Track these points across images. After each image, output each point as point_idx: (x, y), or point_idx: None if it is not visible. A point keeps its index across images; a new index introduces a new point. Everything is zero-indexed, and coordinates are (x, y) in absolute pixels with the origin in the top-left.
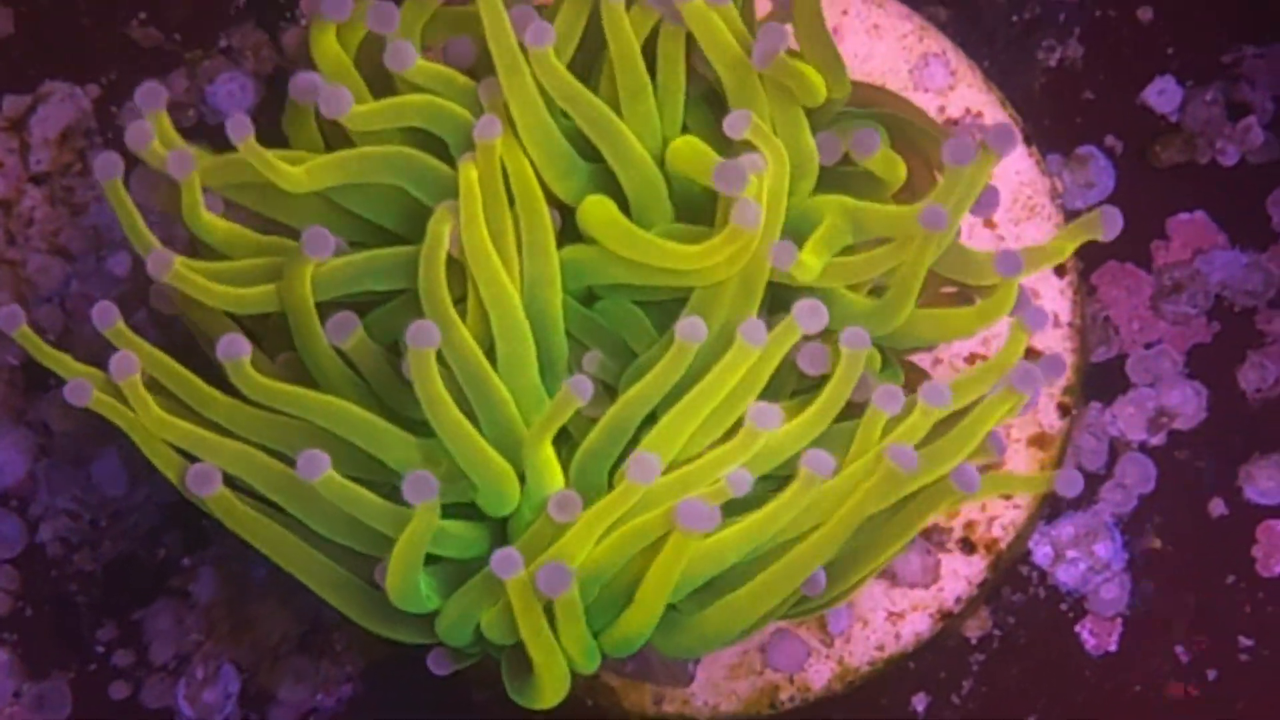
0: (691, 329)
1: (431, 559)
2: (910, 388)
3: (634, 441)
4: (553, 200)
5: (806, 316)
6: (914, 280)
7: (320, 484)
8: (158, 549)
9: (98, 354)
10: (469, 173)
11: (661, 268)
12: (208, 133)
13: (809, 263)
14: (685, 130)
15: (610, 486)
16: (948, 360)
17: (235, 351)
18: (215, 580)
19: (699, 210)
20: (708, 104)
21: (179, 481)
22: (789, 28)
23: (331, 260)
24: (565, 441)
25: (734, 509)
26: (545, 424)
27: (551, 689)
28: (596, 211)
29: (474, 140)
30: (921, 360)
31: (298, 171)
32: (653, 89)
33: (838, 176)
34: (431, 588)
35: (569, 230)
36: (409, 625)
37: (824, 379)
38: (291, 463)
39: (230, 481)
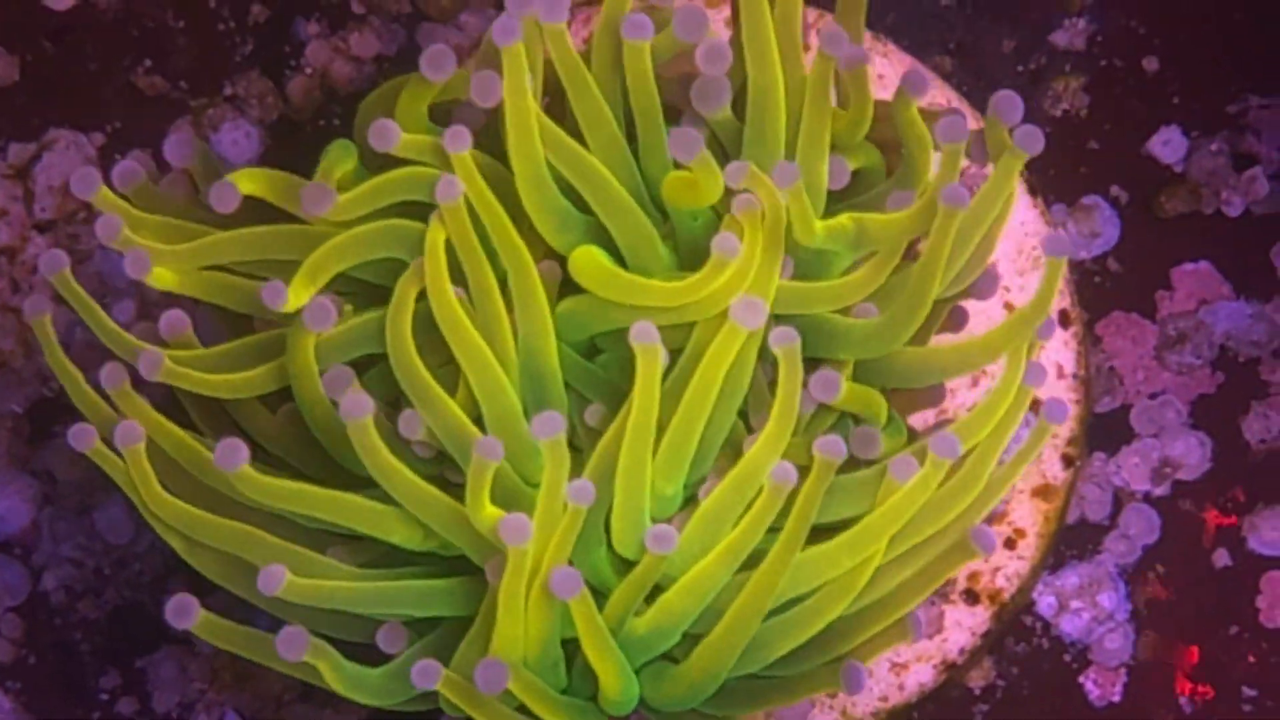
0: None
1: (433, 621)
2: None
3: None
4: (553, 254)
5: (743, 312)
6: (930, 279)
7: (284, 593)
8: (162, 597)
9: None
10: (434, 234)
11: (658, 307)
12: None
13: (816, 226)
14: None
15: (606, 534)
16: (953, 411)
17: (234, 461)
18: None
19: (704, 257)
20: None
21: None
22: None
23: (341, 326)
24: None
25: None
26: (473, 492)
27: None
28: (584, 260)
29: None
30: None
31: (298, 280)
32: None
33: (845, 203)
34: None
35: (569, 282)
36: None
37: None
38: (297, 530)
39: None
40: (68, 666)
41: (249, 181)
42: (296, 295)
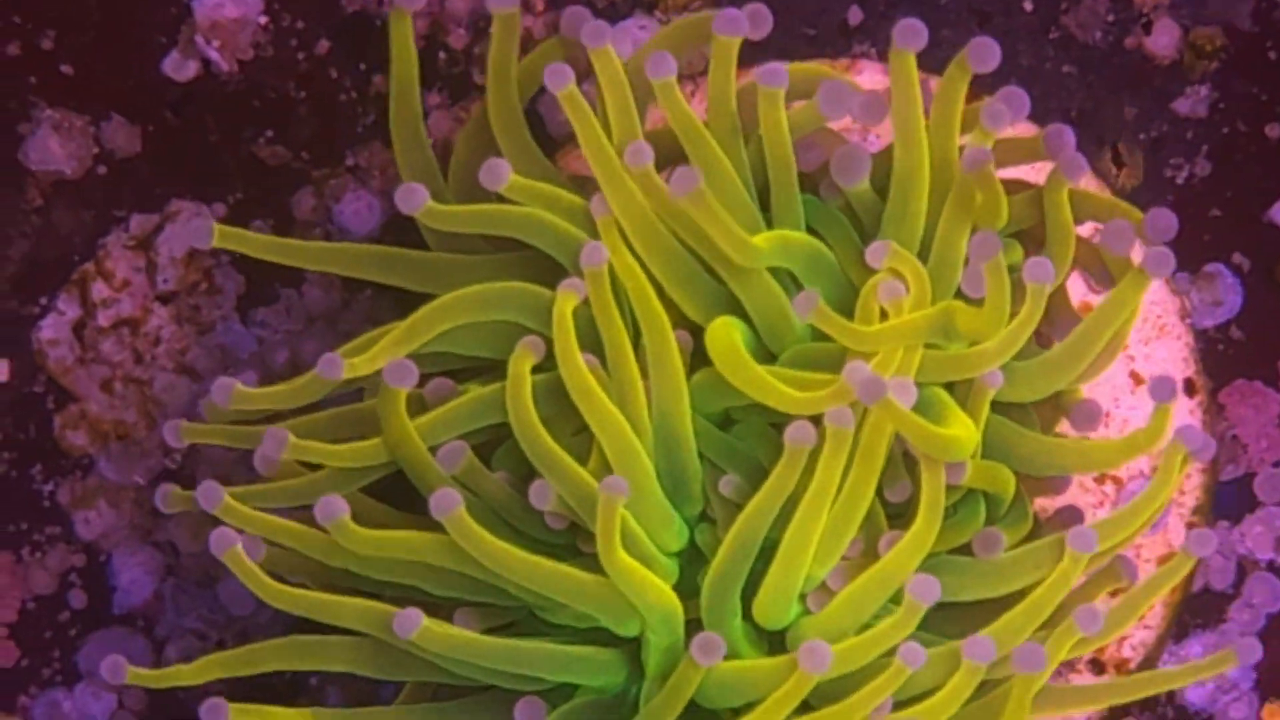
0: (800, 433)
1: (573, 689)
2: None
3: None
4: (685, 322)
5: (900, 391)
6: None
7: (419, 638)
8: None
9: (225, 474)
10: (563, 305)
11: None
12: None
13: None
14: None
15: (743, 609)
16: (1077, 479)
17: (333, 512)
18: (342, 698)
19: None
20: (848, 217)
21: None
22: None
23: (446, 405)
24: (700, 563)
25: None
26: (603, 534)
27: None
28: (719, 339)
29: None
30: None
31: (388, 340)
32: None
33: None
34: None
35: (702, 352)
36: None
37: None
38: (427, 600)
39: None
40: None
41: None
42: (376, 359)
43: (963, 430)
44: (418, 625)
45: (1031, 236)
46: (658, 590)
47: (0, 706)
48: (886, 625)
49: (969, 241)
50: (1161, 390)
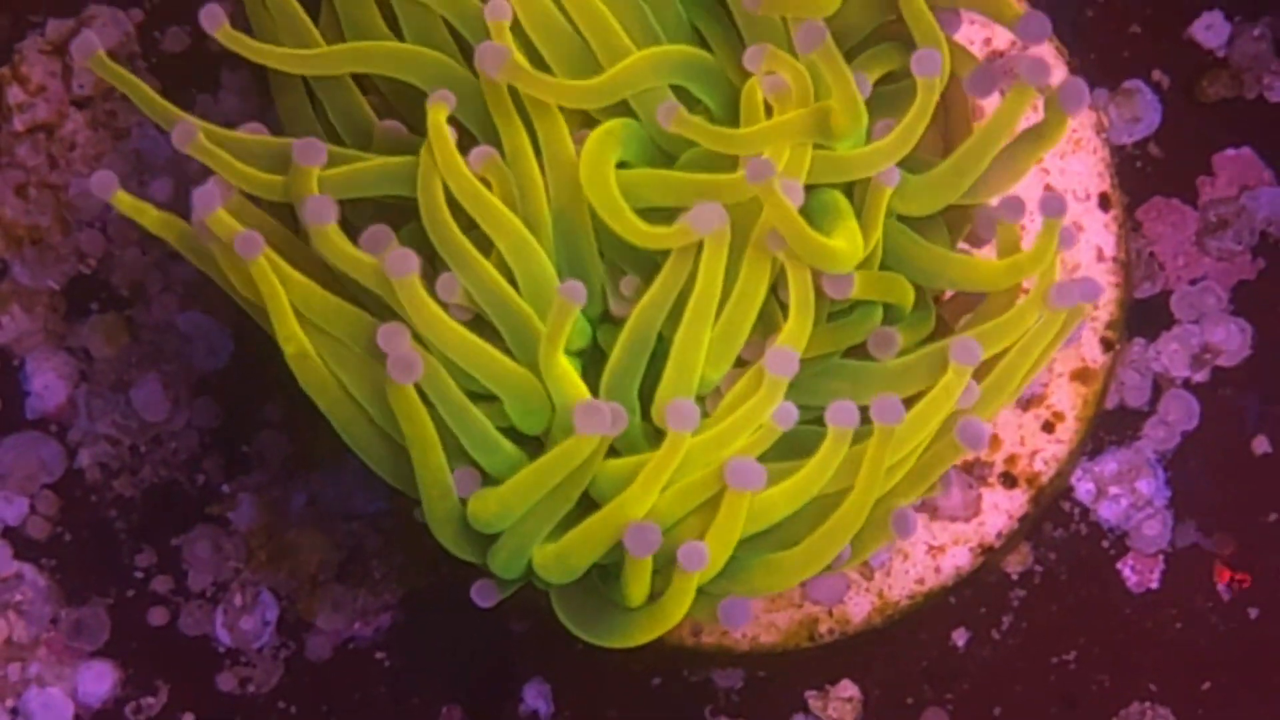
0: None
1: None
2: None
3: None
4: (585, 120)
5: (787, 191)
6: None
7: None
8: (197, 475)
9: (138, 280)
10: (437, 115)
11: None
12: None
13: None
14: (697, 35)
15: (641, 404)
16: None
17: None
18: (254, 507)
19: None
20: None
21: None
22: None
23: (351, 166)
24: (603, 364)
25: None
26: (551, 336)
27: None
28: (591, 154)
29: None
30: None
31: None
32: None
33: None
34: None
35: None
36: (466, 539)
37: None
38: None
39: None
40: (103, 544)
41: None
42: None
43: (846, 244)
44: (413, 269)
45: None
46: (580, 393)
47: None
48: (751, 404)
49: (795, 35)
50: (1051, 206)
